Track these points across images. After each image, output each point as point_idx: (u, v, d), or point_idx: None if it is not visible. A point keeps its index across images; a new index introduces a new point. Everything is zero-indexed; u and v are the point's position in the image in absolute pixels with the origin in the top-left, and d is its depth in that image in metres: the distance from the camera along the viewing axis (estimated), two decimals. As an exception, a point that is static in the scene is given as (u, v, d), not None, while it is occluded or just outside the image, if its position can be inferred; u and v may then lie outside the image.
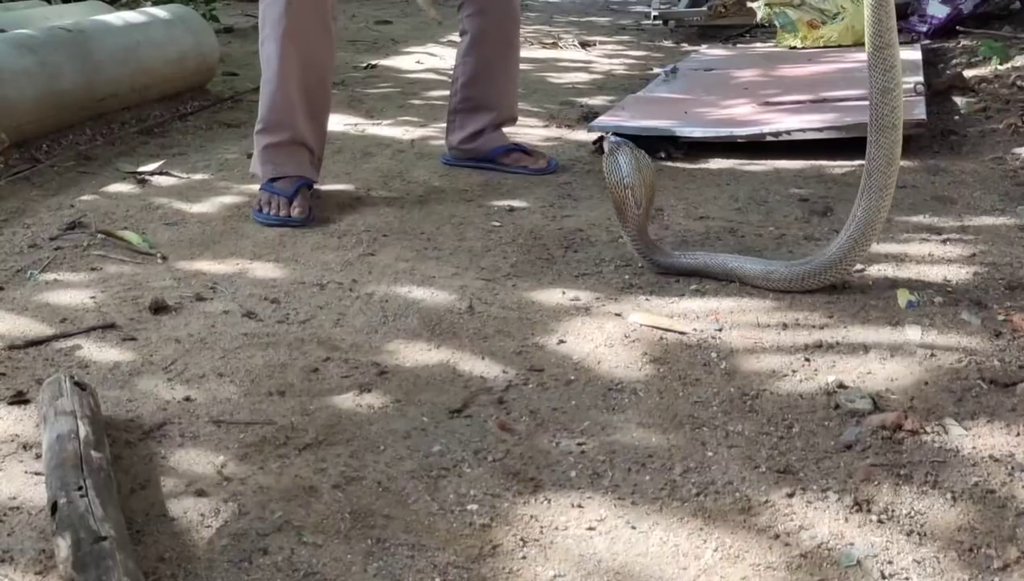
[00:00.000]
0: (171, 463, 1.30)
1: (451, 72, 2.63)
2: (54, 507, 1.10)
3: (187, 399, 1.45)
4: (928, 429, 1.34)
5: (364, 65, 4.16)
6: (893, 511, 1.18)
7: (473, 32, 2.53)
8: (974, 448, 1.30)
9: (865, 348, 1.57)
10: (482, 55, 2.53)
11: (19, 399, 1.44)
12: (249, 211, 2.26)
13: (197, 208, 2.31)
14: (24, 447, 1.33)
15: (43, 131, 2.74)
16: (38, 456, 1.29)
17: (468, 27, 2.53)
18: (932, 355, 1.54)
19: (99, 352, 1.60)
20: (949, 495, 1.20)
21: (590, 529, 1.17)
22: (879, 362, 1.53)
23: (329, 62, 2.26)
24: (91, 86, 2.87)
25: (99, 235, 2.09)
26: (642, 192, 1.83)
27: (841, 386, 1.46)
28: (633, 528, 1.17)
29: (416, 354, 1.59)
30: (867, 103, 1.67)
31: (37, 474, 1.25)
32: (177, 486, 1.25)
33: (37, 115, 2.68)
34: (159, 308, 1.74)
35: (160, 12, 3.35)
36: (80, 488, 1.12)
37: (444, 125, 2.64)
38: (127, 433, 1.36)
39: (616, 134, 2.75)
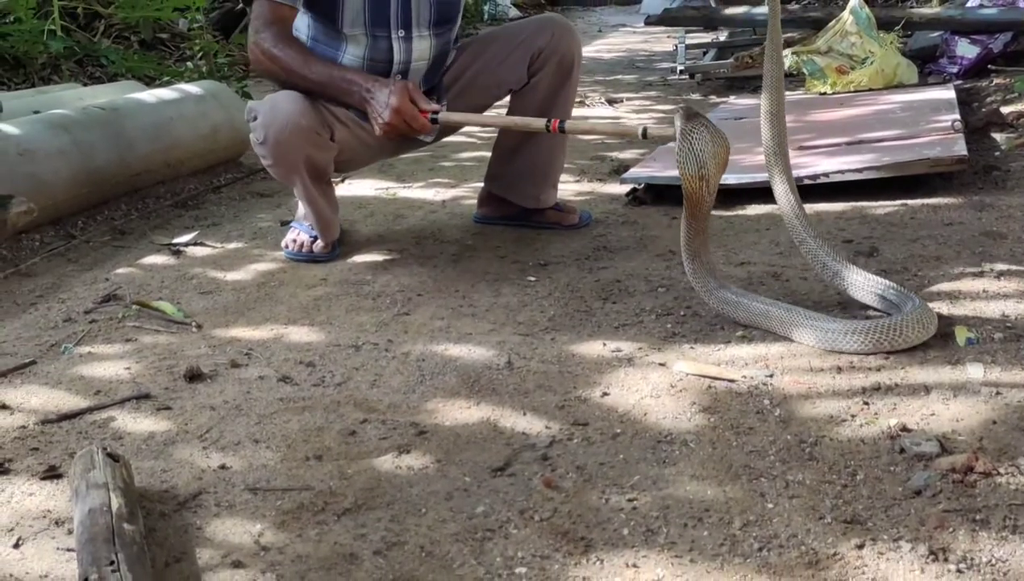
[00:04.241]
0: (207, 533, 1.25)
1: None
2: (84, 583, 1.05)
3: (223, 467, 1.41)
4: (1002, 470, 1.26)
5: (394, 131, 4.18)
6: (972, 559, 1.10)
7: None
8: (1054, 489, 1.21)
9: (926, 389, 1.50)
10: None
11: (52, 474, 1.41)
12: (283, 277, 2.24)
13: (232, 276, 2.30)
14: (56, 523, 1.29)
15: (78, 208, 2.75)
16: (70, 532, 1.24)
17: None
18: (998, 393, 1.46)
19: (133, 423, 1.57)
20: (1032, 540, 1.12)
21: (647, 589, 1.10)
22: (942, 403, 1.45)
23: (319, 144, 2.19)
24: (125, 162, 2.89)
25: (134, 306, 2.08)
26: (717, 177, 1.64)
27: (904, 429, 1.38)
28: (693, 587, 1.10)
29: (455, 412, 1.54)
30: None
31: (69, 550, 1.21)
32: (213, 557, 1.20)
33: (72, 192, 2.70)
34: (194, 376, 1.71)
35: (192, 88, 3.40)
36: (112, 563, 1.08)
37: (475, 185, 2.62)
38: (162, 504, 1.32)
39: (649, 184, 2.76)
